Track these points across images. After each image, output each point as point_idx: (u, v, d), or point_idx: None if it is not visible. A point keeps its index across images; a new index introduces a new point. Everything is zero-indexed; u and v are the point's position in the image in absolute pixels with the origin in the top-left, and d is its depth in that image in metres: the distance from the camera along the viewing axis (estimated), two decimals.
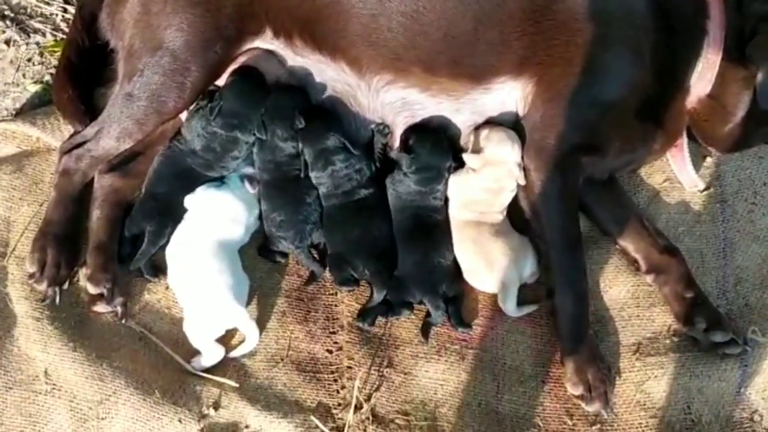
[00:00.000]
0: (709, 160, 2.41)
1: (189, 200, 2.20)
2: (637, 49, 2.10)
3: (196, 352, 2.13)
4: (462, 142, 2.26)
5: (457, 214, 2.22)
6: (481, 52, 2.11)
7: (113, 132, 2.16)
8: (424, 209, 2.20)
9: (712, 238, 2.32)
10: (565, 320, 2.10)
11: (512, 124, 2.20)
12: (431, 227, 2.20)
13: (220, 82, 2.26)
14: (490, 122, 2.21)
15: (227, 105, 2.18)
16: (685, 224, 2.34)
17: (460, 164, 2.23)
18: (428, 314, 2.16)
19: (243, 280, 2.15)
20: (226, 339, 2.15)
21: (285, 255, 2.26)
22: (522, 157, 2.15)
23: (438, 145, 2.21)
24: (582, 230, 2.24)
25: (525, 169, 2.15)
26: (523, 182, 2.16)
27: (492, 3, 2.09)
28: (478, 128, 2.23)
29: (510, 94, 2.16)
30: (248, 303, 2.17)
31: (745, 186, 2.38)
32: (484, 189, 2.18)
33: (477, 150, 2.18)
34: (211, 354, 2.11)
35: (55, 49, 2.51)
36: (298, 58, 2.23)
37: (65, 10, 2.56)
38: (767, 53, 2.09)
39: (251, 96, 2.19)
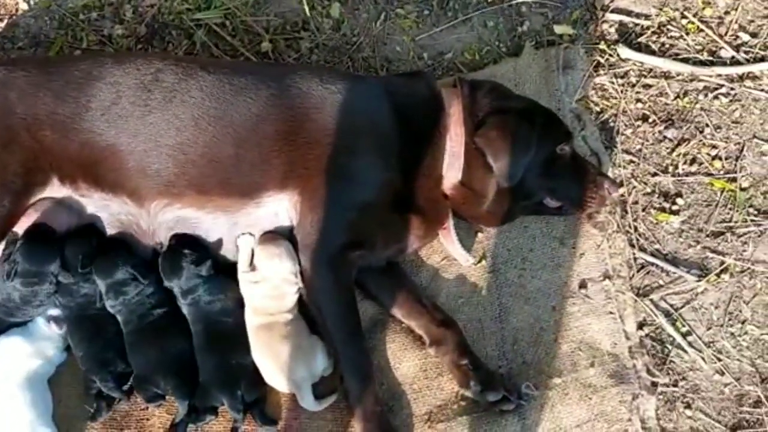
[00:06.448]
0: (480, 235, 2.66)
1: None
2: (383, 155, 2.36)
3: None
4: (236, 257, 2.39)
5: (250, 321, 2.36)
6: (246, 172, 2.31)
7: None
8: (215, 314, 2.34)
9: (489, 306, 2.56)
10: (355, 401, 2.28)
11: (288, 233, 2.39)
12: (225, 331, 2.34)
13: None
14: (265, 235, 2.38)
15: (23, 267, 2.29)
16: (464, 296, 2.58)
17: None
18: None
19: (48, 411, 2.29)
20: None
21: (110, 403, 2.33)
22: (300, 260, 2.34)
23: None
24: (373, 314, 2.49)
25: (303, 270, 2.33)
26: (301, 285, 2.35)
27: (247, 128, 2.32)
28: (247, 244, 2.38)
29: (280, 205, 2.35)
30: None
31: (513, 254, 2.64)
32: (267, 296, 2.34)
33: (253, 267, 2.35)
34: None
35: None
36: (85, 199, 2.38)
37: None
38: (490, 141, 2.40)
39: (43, 254, 2.31)
